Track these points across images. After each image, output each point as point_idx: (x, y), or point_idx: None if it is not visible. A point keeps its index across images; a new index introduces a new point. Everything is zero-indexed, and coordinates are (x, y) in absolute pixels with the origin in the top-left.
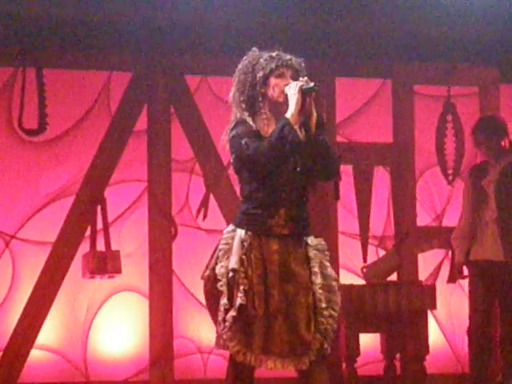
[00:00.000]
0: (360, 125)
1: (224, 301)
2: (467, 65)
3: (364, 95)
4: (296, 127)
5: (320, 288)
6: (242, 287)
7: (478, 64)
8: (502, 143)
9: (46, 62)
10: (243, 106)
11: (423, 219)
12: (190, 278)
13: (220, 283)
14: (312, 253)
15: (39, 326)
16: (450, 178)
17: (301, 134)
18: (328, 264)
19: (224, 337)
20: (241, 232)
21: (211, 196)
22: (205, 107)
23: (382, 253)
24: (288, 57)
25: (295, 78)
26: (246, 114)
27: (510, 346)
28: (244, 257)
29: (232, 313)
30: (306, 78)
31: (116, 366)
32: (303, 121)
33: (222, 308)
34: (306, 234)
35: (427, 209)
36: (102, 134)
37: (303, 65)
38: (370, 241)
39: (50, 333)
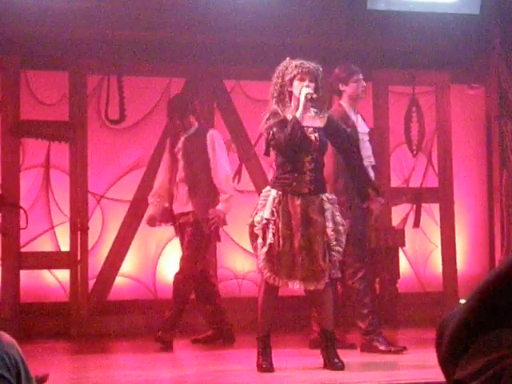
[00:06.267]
0: None
1: (259, 240)
2: (427, 70)
3: None
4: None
5: (332, 231)
6: (271, 231)
7: (435, 69)
8: (187, 119)
9: (124, 71)
10: (275, 100)
11: (395, 181)
12: (228, 225)
13: (256, 228)
14: (326, 205)
15: (121, 260)
16: (415, 152)
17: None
18: (337, 213)
19: (259, 266)
20: (273, 191)
21: (243, 166)
22: (238, 103)
23: None
24: (308, 64)
25: (313, 81)
26: (277, 106)
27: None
28: (274, 209)
29: (264, 249)
30: (311, 86)
31: None
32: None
33: (258, 246)
34: (321, 191)
35: (398, 174)
36: (164, 123)
37: (321, 69)
38: None
39: (129, 264)
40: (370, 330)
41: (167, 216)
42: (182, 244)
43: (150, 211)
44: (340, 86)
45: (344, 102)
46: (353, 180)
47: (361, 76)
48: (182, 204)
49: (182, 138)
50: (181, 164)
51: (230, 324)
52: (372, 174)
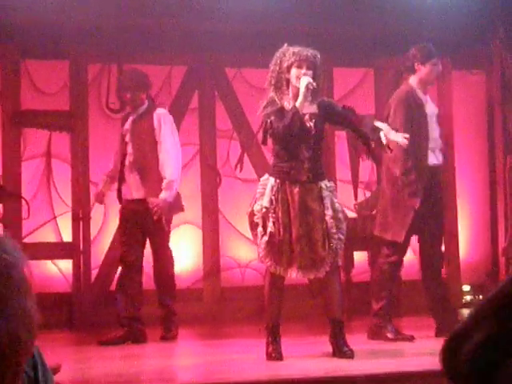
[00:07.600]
0: (356, 98)
1: (259, 229)
2: None
3: (354, 80)
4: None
5: (331, 218)
6: (271, 219)
7: None
8: (139, 95)
9: (125, 60)
10: (273, 87)
11: None
12: (230, 213)
13: (256, 217)
14: (325, 193)
15: None
16: None
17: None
18: (336, 200)
19: (260, 255)
20: (271, 179)
21: (245, 155)
22: (239, 91)
23: (367, 194)
24: (306, 52)
25: (311, 68)
26: (274, 93)
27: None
28: (273, 197)
29: (265, 238)
30: (308, 74)
31: (179, 277)
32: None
33: (258, 234)
34: (320, 179)
35: None
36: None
37: (318, 56)
38: (359, 185)
39: None
40: (381, 313)
41: (118, 197)
42: (131, 231)
43: (100, 187)
44: (416, 64)
45: (413, 82)
46: (365, 138)
47: (438, 60)
48: (133, 190)
49: (130, 119)
50: (129, 147)
51: (142, 323)
52: (440, 157)
